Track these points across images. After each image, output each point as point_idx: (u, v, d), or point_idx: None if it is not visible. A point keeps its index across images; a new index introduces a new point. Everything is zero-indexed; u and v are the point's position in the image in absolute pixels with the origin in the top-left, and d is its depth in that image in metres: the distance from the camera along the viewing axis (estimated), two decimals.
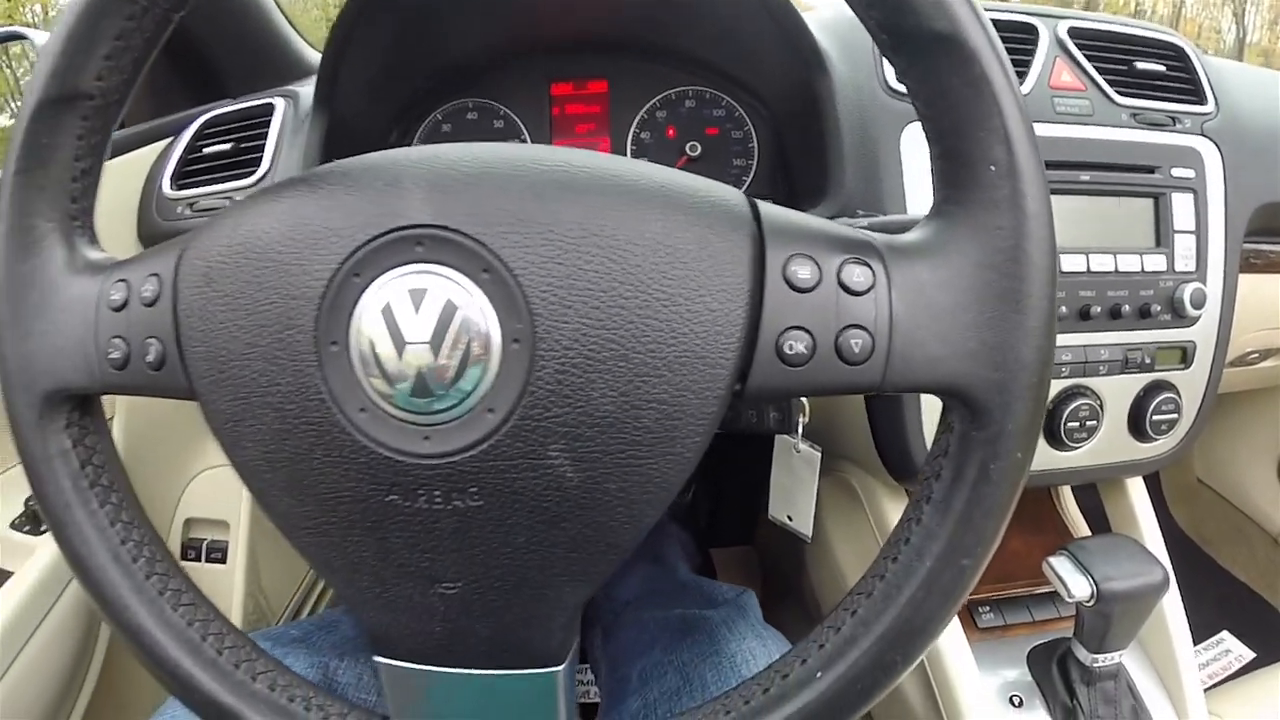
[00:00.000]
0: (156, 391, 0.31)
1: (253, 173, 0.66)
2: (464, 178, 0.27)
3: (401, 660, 0.31)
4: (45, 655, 0.62)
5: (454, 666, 0.31)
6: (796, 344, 0.26)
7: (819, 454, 0.59)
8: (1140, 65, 0.68)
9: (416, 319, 0.26)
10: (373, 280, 0.26)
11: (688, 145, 0.71)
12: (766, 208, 0.29)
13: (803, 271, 0.27)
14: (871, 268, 0.27)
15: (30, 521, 0.65)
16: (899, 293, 0.27)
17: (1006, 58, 0.26)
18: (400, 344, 0.26)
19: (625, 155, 0.73)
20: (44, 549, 0.63)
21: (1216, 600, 1.02)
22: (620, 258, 0.26)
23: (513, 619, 0.30)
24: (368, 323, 0.26)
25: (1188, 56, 0.71)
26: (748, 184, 0.72)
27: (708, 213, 0.27)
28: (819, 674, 0.29)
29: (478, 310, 0.26)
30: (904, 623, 0.28)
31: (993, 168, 0.26)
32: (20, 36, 0.91)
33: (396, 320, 0.26)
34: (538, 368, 0.26)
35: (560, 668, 0.31)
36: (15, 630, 0.59)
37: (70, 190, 0.32)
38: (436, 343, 0.26)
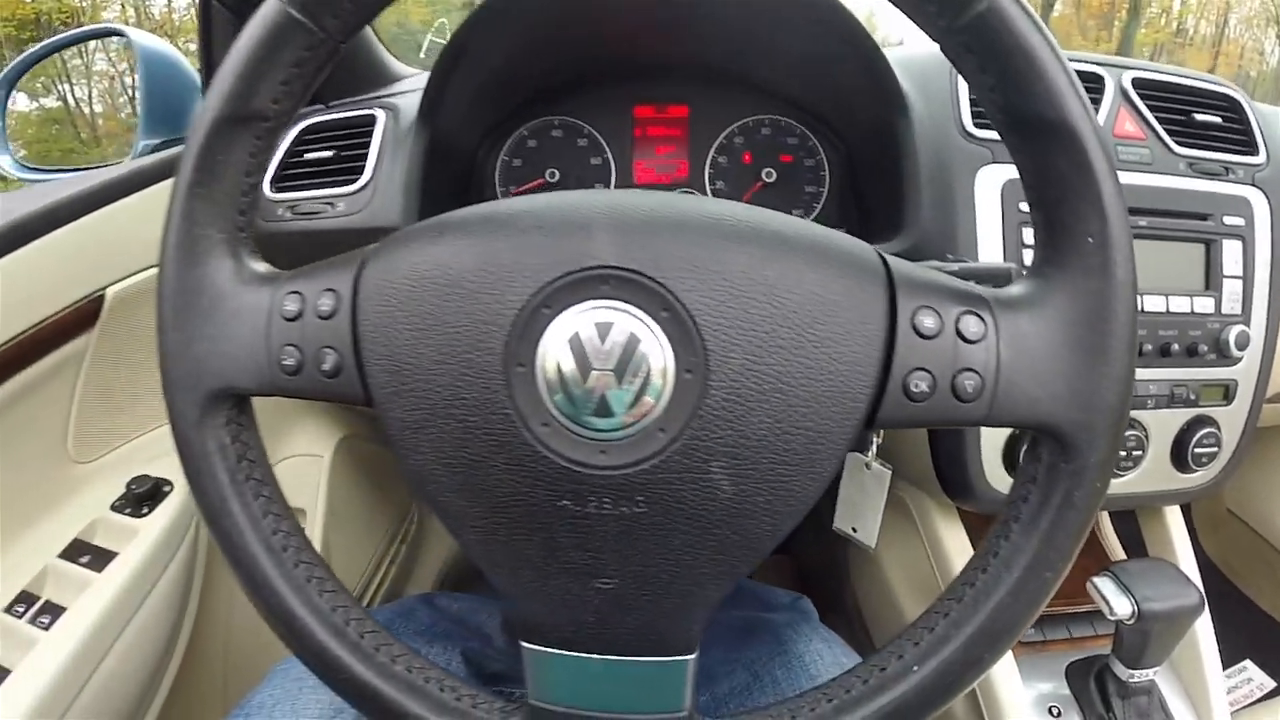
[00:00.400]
0: (328, 396, 0.35)
1: (355, 180, 0.70)
2: (646, 225, 0.32)
3: (551, 647, 0.35)
4: (139, 640, 0.65)
5: (600, 653, 0.34)
6: (920, 383, 0.31)
7: (889, 472, 0.63)
8: (1198, 117, 0.72)
9: (603, 349, 0.30)
10: (562, 311, 0.31)
11: (764, 171, 0.76)
12: (895, 263, 0.33)
13: (928, 321, 0.31)
14: (983, 319, 0.31)
15: (131, 504, 0.68)
16: (1005, 342, 0.31)
17: (1109, 142, 0.30)
18: (586, 369, 0.30)
19: (703, 177, 0.77)
20: (146, 531, 0.66)
21: (1240, 629, 1.04)
22: (781, 304, 0.30)
23: (658, 612, 0.34)
24: (555, 349, 0.30)
25: (1242, 109, 0.74)
26: (818, 210, 0.76)
27: (850, 265, 0.32)
28: (915, 668, 0.33)
29: (657, 344, 0.30)
30: (992, 624, 0.32)
31: (1090, 239, 0.30)
32: (118, 33, 0.96)
33: (584, 348, 0.30)
34: (707, 395, 0.30)
35: (692, 656, 0.35)
36: (116, 613, 0.62)
37: (239, 204, 0.34)
38: (620, 370, 0.30)
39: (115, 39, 0.98)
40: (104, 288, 0.64)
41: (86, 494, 0.67)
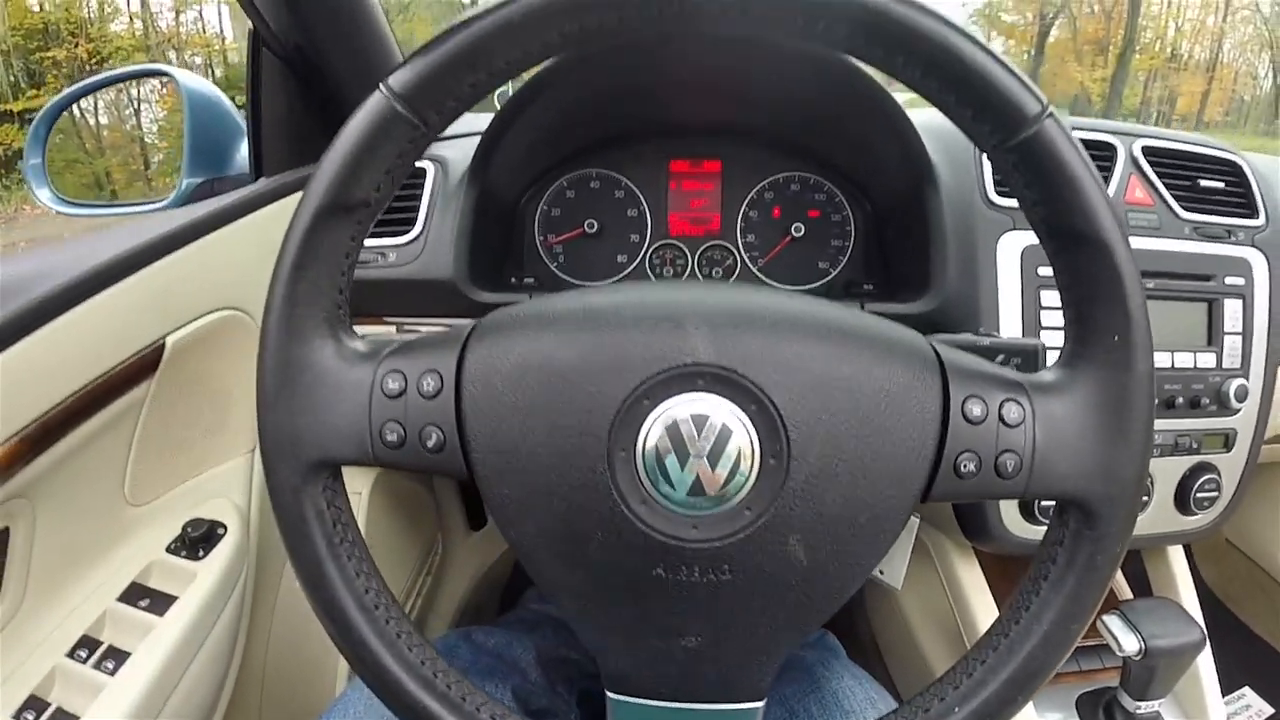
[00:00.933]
0: (429, 470, 0.38)
1: (407, 231, 0.73)
2: (734, 322, 0.35)
3: (635, 697, 0.38)
4: (197, 686, 0.65)
5: (681, 702, 0.38)
6: (968, 463, 0.35)
7: (918, 520, 0.67)
8: (1203, 182, 0.76)
9: (699, 439, 0.34)
10: (660, 403, 0.34)
11: (793, 226, 0.79)
12: (946, 353, 0.37)
13: (975, 409, 0.35)
14: (1022, 405, 0.35)
15: (187, 547, 0.69)
16: (1040, 425, 0.35)
17: (1133, 255, 0.34)
18: (684, 457, 0.34)
19: (735, 230, 0.81)
20: (203, 575, 0.67)
21: (1239, 656, 1.09)
22: (853, 398, 0.34)
23: (736, 664, 0.37)
24: (655, 437, 0.34)
25: (1244, 173, 0.79)
26: (844, 263, 0.80)
27: (911, 359, 0.36)
28: (956, 709, 0.36)
29: (746, 434, 0.34)
30: (1024, 670, 0.36)
31: (1116, 337, 0.35)
32: (164, 74, 0.98)
33: (682, 437, 0.34)
34: (788, 479, 0.34)
35: (761, 703, 0.38)
36: (178, 657, 0.62)
37: (339, 283, 0.37)
38: (714, 458, 0.34)
39: (158, 79, 1.00)
40: (164, 336, 0.66)
41: (143, 536, 0.69)
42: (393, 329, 0.76)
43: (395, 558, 0.93)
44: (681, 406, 0.34)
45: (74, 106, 0.99)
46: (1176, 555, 0.85)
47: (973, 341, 0.49)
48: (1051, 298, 0.68)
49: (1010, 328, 0.67)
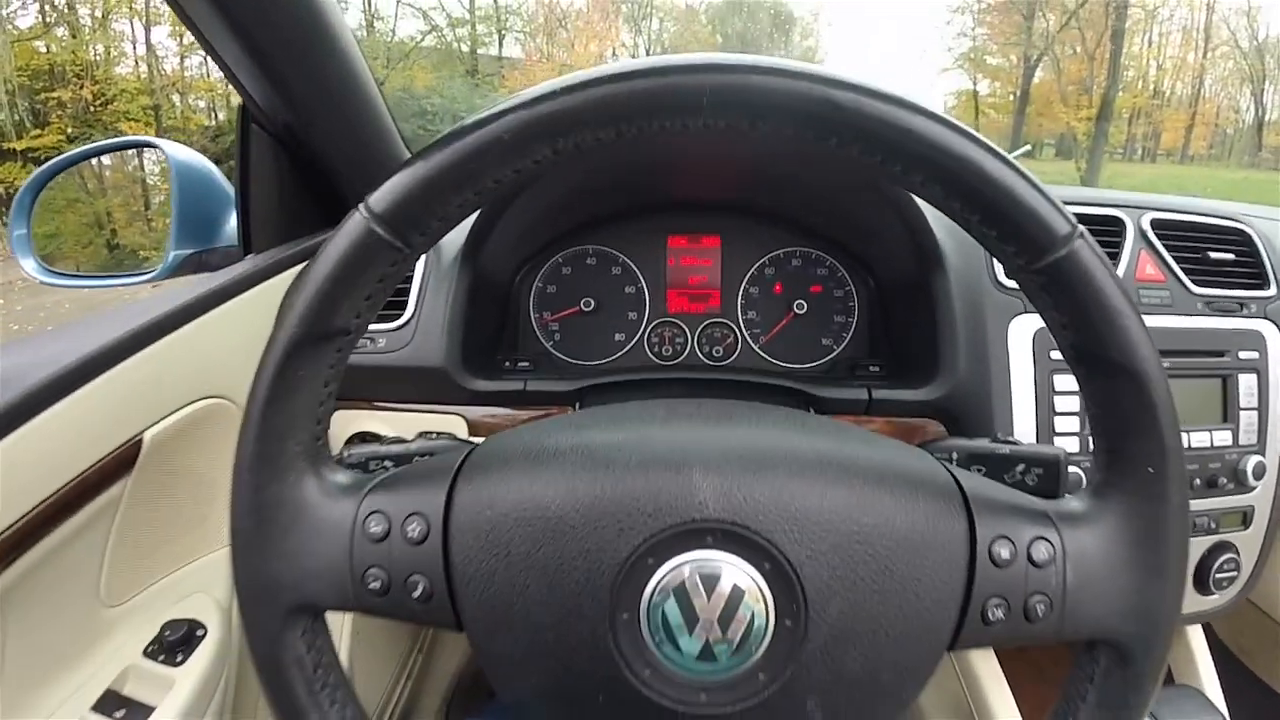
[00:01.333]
0: (416, 620, 0.35)
1: (398, 316, 0.71)
2: (743, 467, 0.33)
3: None
4: None
5: None
6: (996, 610, 0.33)
7: None
8: (1213, 255, 0.75)
9: (707, 603, 0.31)
10: (665, 562, 0.32)
11: (795, 303, 0.78)
12: (970, 487, 0.35)
13: (1003, 552, 0.33)
14: (1051, 542, 0.33)
15: (165, 650, 0.65)
16: (1071, 563, 0.33)
17: (1169, 386, 0.32)
18: (692, 622, 0.31)
19: (736, 308, 0.79)
20: (181, 682, 0.63)
21: (1252, 709, 1.06)
22: (874, 550, 0.32)
23: None
24: (661, 599, 0.31)
25: (1253, 242, 0.78)
26: (848, 340, 0.78)
27: (934, 499, 0.34)
28: None
29: (759, 595, 0.31)
30: None
31: (1150, 470, 0.32)
32: (152, 145, 0.97)
33: (690, 600, 0.31)
34: (806, 641, 0.31)
35: None
36: None
37: (317, 414, 0.34)
38: (724, 622, 0.31)
39: (149, 150, 0.99)
40: (142, 431, 0.64)
41: (119, 639, 0.66)
42: (383, 423, 0.73)
43: (383, 639, 0.89)
44: (689, 566, 0.31)
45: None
46: (1196, 637, 0.82)
47: (991, 450, 0.46)
48: (1065, 382, 0.66)
49: (1023, 413, 0.65)
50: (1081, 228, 0.31)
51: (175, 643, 0.65)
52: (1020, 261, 0.32)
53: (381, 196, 0.31)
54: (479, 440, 0.45)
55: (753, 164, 0.70)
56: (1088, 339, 0.32)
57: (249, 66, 0.68)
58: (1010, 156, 0.31)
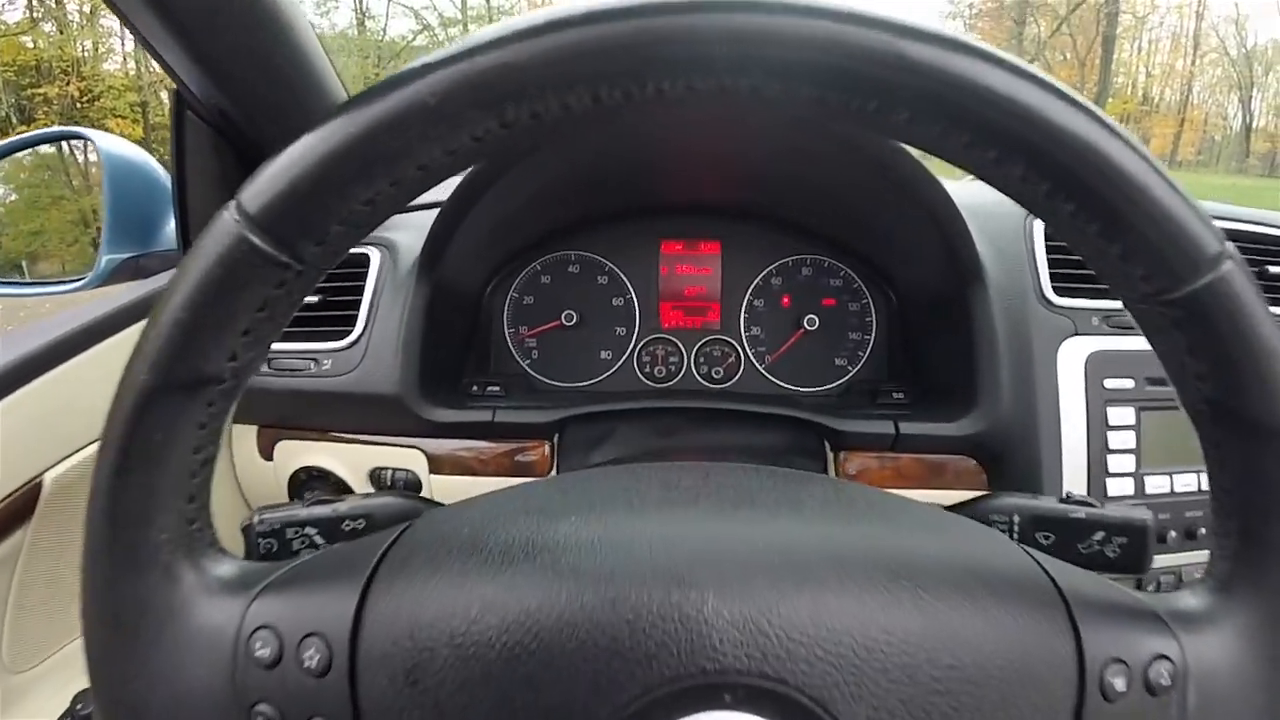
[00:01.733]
0: None
1: (348, 333, 0.61)
2: (774, 582, 0.23)
3: None
4: None
5: None
6: None
7: None
8: (1272, 269, 0.66)
9: None
10: None
11: (805, 319, 0.68)
12: (1068, 587, 0.26)
13: (1118, 683, 0.24)
14: (1172, 660, 0.25)
15: None
16: (1195, 685, 0.24)
17: None
18: None
19: (738, 324, 0.69)
20: None
21: None
22: (960, 704, 0.23)
23: None
24: None
25: None
26: (864, 360, 0.69)
27: (1033, 615, 0.25)
28: None
29: None
30: None
31: None
32: (79, 136, 0.88)
33: None
34: None
35: None
36: None
37: (188, 489, 0.26)
38: None
39: (77, 142, 0.90)
40: (42, 473, 0.54)
41: (26, 711, 0.57)
42: (334, 456, 0.63)
43: None
44: None
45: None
46: None
47: (1063, 513, 0.38)
48: (1120, 415, 0.56)
49: (1073, 452, 0.56)
50: (1230, 245, 0.22)
51: (89, 717, 0.56)
52: (1148, 289, 0.23)
53: (258, 191, 0.22)
54: (430, 498, 0.35)
55: (757, 160, 0.61)
56: (1230, 391, 0.24)
57: (172, 44, 0.58)
58: (1149, 152, 0.22)
